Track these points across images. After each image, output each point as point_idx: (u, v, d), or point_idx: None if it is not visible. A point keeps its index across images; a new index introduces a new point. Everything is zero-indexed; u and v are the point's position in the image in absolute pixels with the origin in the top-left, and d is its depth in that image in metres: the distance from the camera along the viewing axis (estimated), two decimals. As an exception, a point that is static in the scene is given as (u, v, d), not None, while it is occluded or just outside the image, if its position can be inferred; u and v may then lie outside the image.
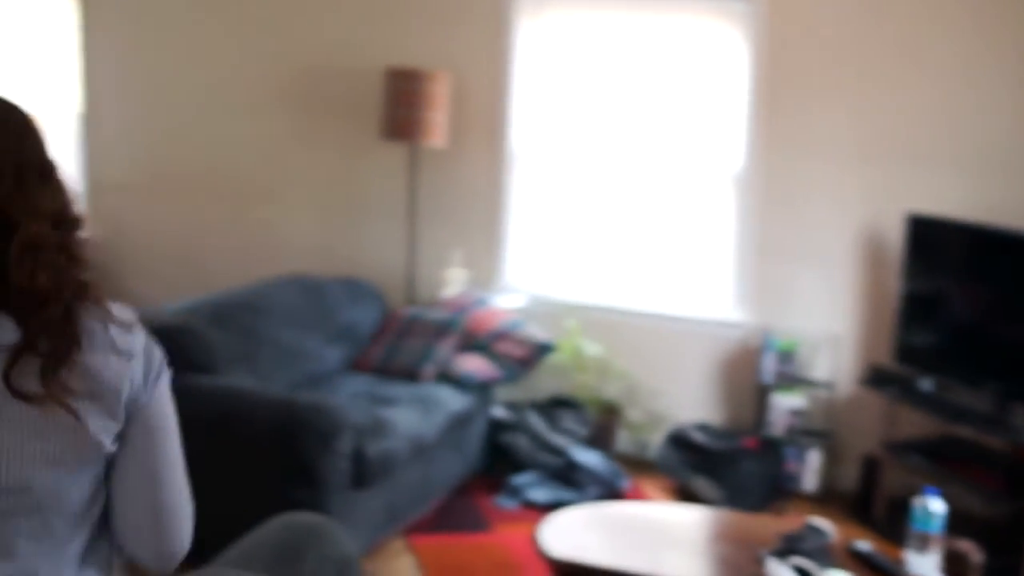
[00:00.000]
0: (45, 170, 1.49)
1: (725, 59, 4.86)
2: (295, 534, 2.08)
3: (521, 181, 5.28)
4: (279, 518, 2.15)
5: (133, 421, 1.52)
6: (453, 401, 4.35)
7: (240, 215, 5.84)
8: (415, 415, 4.05)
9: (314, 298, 4.67)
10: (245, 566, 1.97)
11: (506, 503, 4.40)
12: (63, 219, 1.48)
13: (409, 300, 5.27)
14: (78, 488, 1.47)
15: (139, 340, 1.54)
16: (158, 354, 1.58)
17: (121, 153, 6.04)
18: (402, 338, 4.67)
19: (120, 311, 1.52)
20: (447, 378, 4.49)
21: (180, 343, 3.80)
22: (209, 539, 2.27)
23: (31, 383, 1.38)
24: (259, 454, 3.52)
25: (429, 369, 4.47)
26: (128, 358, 1.50)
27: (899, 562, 3.03)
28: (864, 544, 3.15)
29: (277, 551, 2.03)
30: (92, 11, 6.01)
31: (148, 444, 1.55)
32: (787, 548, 2.99)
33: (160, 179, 5.80)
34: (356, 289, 4.96)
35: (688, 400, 5.01)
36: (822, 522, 3.20)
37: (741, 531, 3.34)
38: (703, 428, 4.72)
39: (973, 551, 3.04)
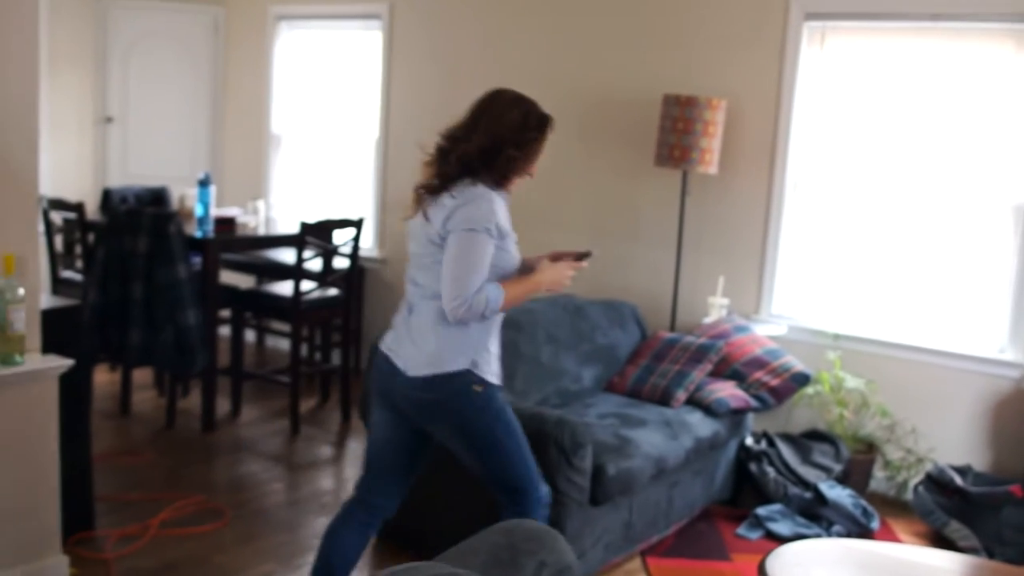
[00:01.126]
0: (513, 136, 3.02)
1: (1012, 86, 4.63)
2: (515, 540, 2.18)
3: (791, 208, 5.24)
4: (503, 523, 2.27)
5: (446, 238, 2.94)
6: (702, 427, 4.36)
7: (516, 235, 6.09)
8: (661, 437, 4.10)
9: (575, 319, 4.82)
10: (461, 564, 2.10)
11: (748, 533, 4.37)
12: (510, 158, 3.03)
13: (671, 325, 5.33)
14: (429, 260, 3.01)
15: (452, 204, 2.93)
16: (458, 215, 2.91)
17: (406, 176, 6.45)
18: (657, 362, 4.73)
19: (460, 192, 2.96)
20: (698, 403, 4.52)
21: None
22: (443, 538, 2.44)
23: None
24: (504, 464, 3.69)
25: (681, 395, 4.51)
26: (442, 211, 2.94)
27: None
28: None
29: (493, 554, 2.14)
30: (395, 45, 6.52)
31: (449, 247, 2.91)
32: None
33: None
34: (617, 312, 5.07)
35: (952, 442, 4.78)
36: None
37: (991, 583, 3.19)
38: (964, 471, 4.49)
39: None
